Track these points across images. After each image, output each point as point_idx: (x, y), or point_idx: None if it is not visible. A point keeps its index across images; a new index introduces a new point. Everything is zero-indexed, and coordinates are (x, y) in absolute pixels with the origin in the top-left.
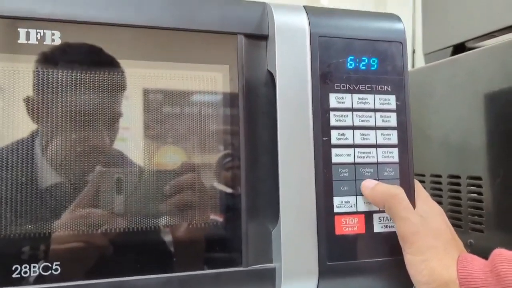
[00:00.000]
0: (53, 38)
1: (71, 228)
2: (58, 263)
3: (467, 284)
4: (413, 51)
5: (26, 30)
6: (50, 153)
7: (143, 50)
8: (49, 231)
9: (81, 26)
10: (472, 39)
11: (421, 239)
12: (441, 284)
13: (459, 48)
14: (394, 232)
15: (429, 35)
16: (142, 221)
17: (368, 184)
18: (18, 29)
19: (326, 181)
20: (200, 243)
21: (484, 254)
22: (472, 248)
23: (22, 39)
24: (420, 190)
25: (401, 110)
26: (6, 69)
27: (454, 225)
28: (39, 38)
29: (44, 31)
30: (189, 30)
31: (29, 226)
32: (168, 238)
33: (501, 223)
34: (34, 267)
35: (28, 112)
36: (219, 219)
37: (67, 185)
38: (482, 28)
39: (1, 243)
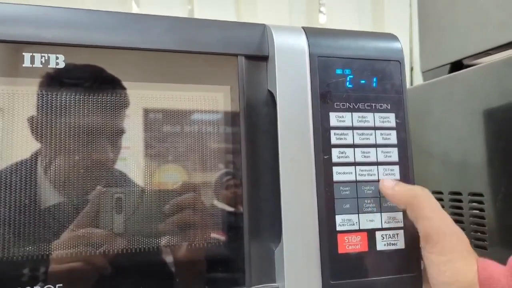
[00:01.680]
0: (57, 61)
1: (73, 249)
2: (61, 285)
3: (488, 286)
4: (411, 69)
5: (31, 54)
6: (53, 173)
7: (146, 72)
8: (51, 252)
9: (84, 49)
10: (469, 56)
11: (446, 238)
12: (465, 286)
13: (457, 65)
14: (397, 250)
15: (426, 52)
16: (143, 241)
17: (387, 184)
18: (23, 54)
19: (328, 199)
20: (202, 263)
21: None
22: None
23: (27, 63)
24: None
25: (401, 128)
26: (11, 92)
27: None
28: (43, 62)
29: (49, 55)
30: (190, 52)
31: (31, 248)
32: (169, 258)
33: (504, 239)
34: None
35: (32, 133)
36: (221, 238)
37: (70, 205)
38: (478, 46)
39: (3, 265)
